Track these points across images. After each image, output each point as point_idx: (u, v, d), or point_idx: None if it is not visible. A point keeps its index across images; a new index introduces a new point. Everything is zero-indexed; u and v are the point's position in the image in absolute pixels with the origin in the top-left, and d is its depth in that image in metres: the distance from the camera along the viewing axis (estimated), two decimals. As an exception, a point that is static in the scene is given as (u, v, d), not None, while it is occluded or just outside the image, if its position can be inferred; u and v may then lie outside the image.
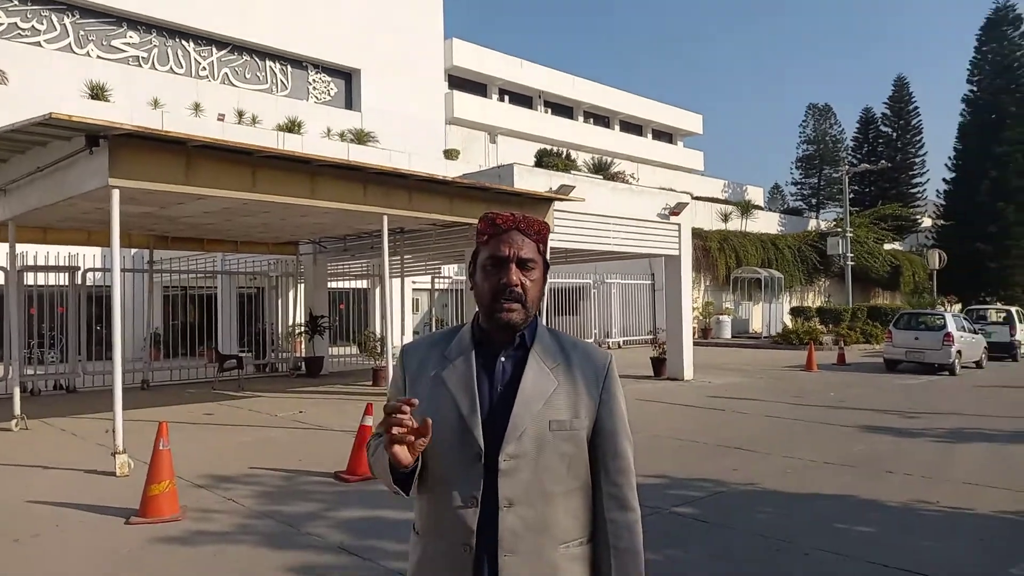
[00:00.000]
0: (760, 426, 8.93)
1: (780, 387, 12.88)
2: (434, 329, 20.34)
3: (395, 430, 1.42)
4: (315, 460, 6.99)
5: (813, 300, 30.16)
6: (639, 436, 8.29)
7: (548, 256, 1.68)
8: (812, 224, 36.01)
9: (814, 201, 48.18)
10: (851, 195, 35.45)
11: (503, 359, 1.60)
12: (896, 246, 36.52)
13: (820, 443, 7.80)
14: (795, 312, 26.21)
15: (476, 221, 1.68)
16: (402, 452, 1.43)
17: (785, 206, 48.92)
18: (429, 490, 1.57)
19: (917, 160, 44.81)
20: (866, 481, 6.15)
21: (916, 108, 44.82)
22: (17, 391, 9.24)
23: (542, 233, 1.63)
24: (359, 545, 4.55)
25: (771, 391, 12.31)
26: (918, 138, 45.00)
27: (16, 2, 21.62)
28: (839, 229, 29.63)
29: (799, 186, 49.42)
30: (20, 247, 10.59)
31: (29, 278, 12.71)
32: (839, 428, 8.73)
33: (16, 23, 21.64)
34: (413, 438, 1.43)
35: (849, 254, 27.67)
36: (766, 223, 33.03)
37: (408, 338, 19.83)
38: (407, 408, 1.42)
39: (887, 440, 7.97)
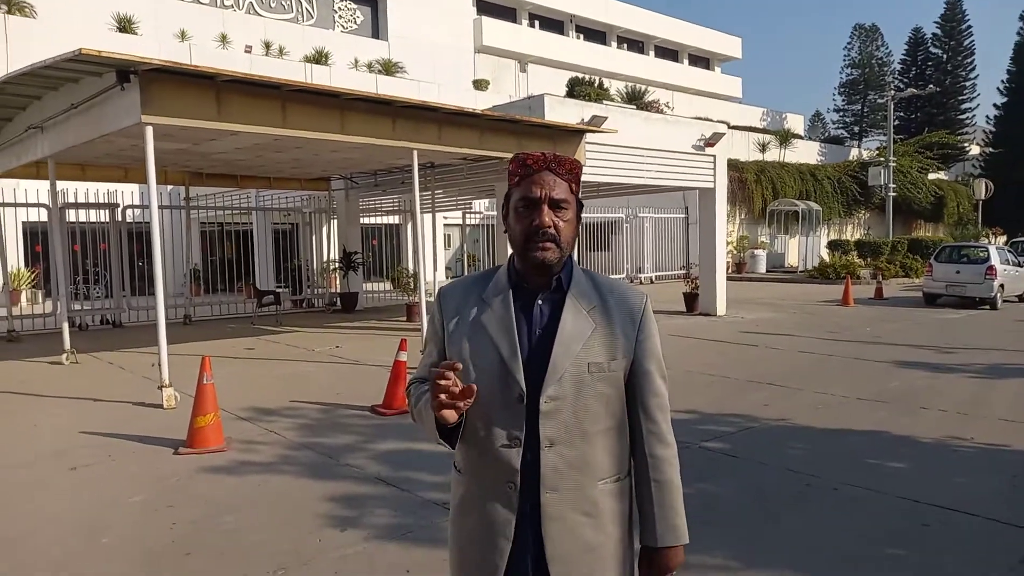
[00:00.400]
0: (793, 362, 8.90)
1: (814, 322, 12.76)
2: (466, 264, 20.44)
3: (442, 396, 1.45)
4: (352, 394, 7.19)
5: (852, 233, 29.50)
6: (670, 372, 8.29)
7: (580, 194, 1.66)
8: (854, 153, 34.85)
9: (856, 129, 46.59)
10: (896, 122, 34.13)
11: (540, 302, 1.62)
12: (941, 176, 35.23)
13: (854, 379, 7.77)
14: (833, 246, 25.69)
15: (506, 155, 1.67)
16: (448, 413, 1.48)
17: (826, 135, 47.39)
18: (472, 431, 1.61)
19: (967, 84, 42.87)
20: (900, 417, 6.13)
21: (969, 27, 42.58)
22: (66, 326, 9.58)
23: (574, 172, 1.61)
24: (396, 476, 4.71)
25: (805, 326, 12.21)
26: (969, 60, 42.90)
27: (40, -67, 21.31)
28: (881, 158, 28.66)
29: (841, 113, 47.78)
30: (60, 184, 10.79)
31: (71, 215, 12.99)
32: (874, 364, 8.67)
33: (41, -44, 21.40)
34: (460, 403, 1.47)
35: (891, 184, 26.83)
36: (805, 153, 32.09)
37: (440, 274, 19.97)
38: (451, 374, 1.44)
39: (922, 376, 7.90)
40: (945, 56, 43.09)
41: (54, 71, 6.99)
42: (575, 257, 1.69)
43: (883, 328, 11.88)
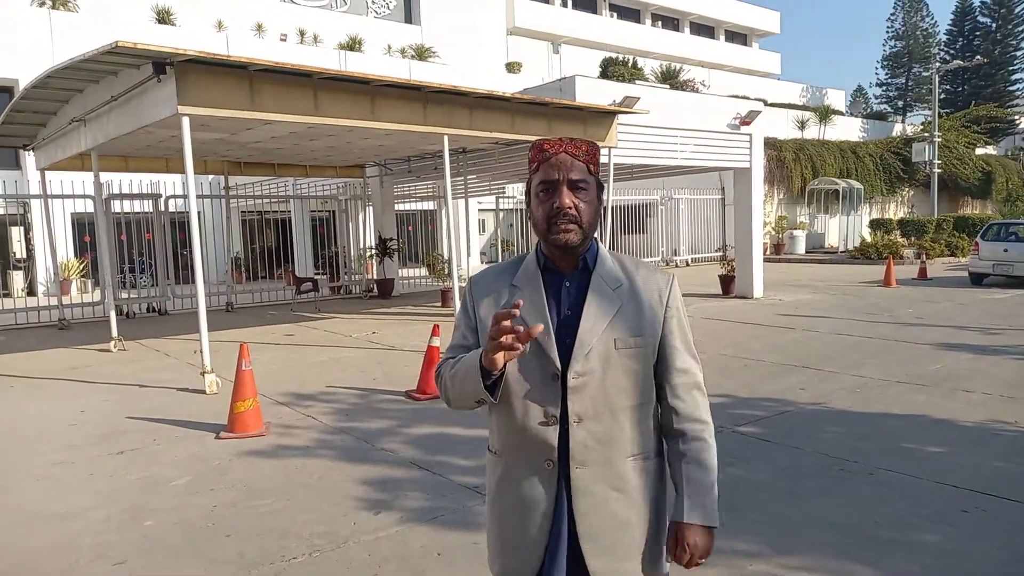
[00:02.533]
0: (831, 344, 8.76)
1: (854, 304, 12.51)
2: (500, 249, 20.48)
3: (504, 338, 1.44)
4: (387, 379, 7.30)
5: (895, 212, 28.73)
6: (705, 355, 8.29)
7: (601, 176, 1.68)
8: (897, 129, 33.83)
9: (900, 104, 45.21)
10: (941, 95, 33.07)
11: (567, 283, 1.65)
12: (989, 150, 33.99)
13: (893, 362, 7.62)
14: (875, 225, 25.05)
15: (539, 138, 1.69)
16: (498, 357, 1.48)
17: (868, 110, 46.03)
18: (507, 411, 1.64)
19: (1018, 54, 41.14)
20: (940, 400, 6.01)
21: (1021, -5, 40.78)
22: (113, 314, 9.89)
23: (591, 153, 1.64)
24: (430, 460, 4.79)
25: (845, 308, 11.99)
26: (1021, 28, 41.20)
27: (80, -71, 21.75)
28: (926, 134, 27.79)
29: (884, 87, 46.38)
30: (105, 176, 11.09)
31: (116, 206, 13.36)
32: (914, 346, 8.48)
33: (82, -50, 21.85)
34: (519, 344, 1.46)
35: (936, 161, 26.01)
36: (846, 129, 31.27)
37: (475, 259, 20.05)
38: (516, 312, 1.45)
39: (965, 358, 7.71)
40: (995, 25, 41.44)
41: (93, 64, 7.17)
42: (608, 240, 1.72)
43: (926, 309, 11.60)
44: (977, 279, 15.21)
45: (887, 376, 6.93)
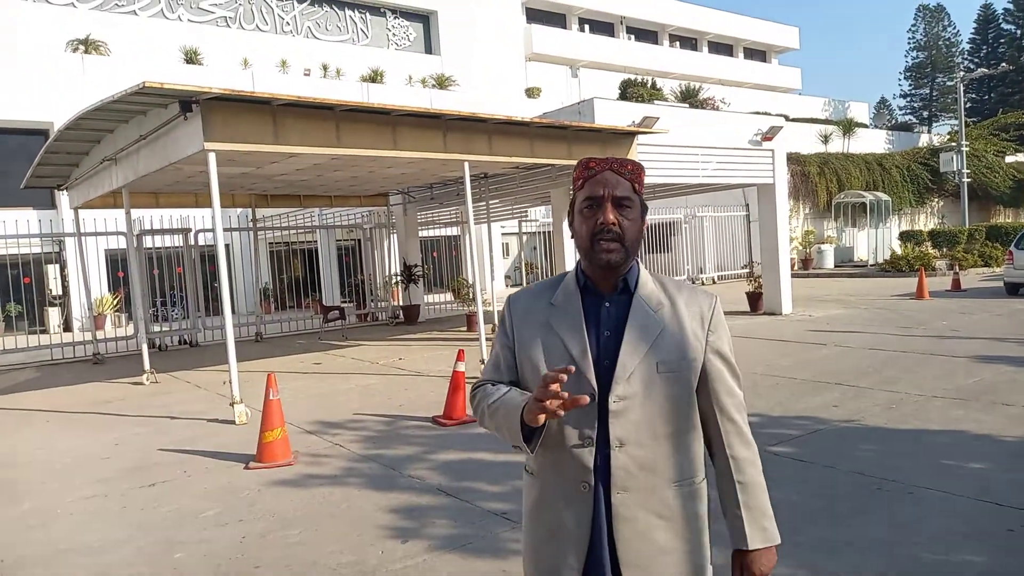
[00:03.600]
0: (864, 359, 8.58)
1: (886, 318, 12.27)
2: (524, 272, 20.50)
3: (550, 403, 1.42)
4: (414, 405, 7.30)
5: (925, 223, 28.23)
6: (734, 373, 8.16)
7: (643, 197, 1.67)
8: (923, 140, 33.39)
9: (925, 114, 44.70)
10: (967, 104, 32.61)
11: (608, 304, 1.63)
12: (1019, 158, 33.35)
13: (929, 376, 7.44)
14: (904, 237, 24.62)
15: (558, 161, 1.71)
16: (543, 417, 1.47)
17: (892, 122, 45.56)
18: (545, 432, 1.61)
19: (1046, 60, 40.44)
20: (979, 415, 5.84)
21: (1046, 0, 40.27)
22: (145, 347, 10.06)
23: (636, 173, 1.64)
24: (457, 487, 4.76)
25: (876, 322, 11.76)
26: (1048, 35, 40.57)
27: (111, -25, 22.57)
28: (953, 143, 27.37)
29: (908, 98, 45.94)
30: (136, 212, 11.36)
31: (147, 241, 13.66)
32: (951, 359, 8.28)
33: (112, -5, 22.66)
34: (562, 411, 1.44)
35: (965, 170, 25.56)
36: (871, 142, 30.93)
37: (499, 283, 20.07)
38: (564, 377, 1.43)
39: (1004, 371, 7.50)
40: (1019, 31, 40.91)
41: (122, 104, 7.37)
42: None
43: (960, 321, 11.33)
44: (1013, 289, 14.84)
45: (923, 391, 6.76)
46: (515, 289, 1.94)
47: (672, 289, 1.67)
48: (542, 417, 1.47)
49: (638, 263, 1.67)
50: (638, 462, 1.56)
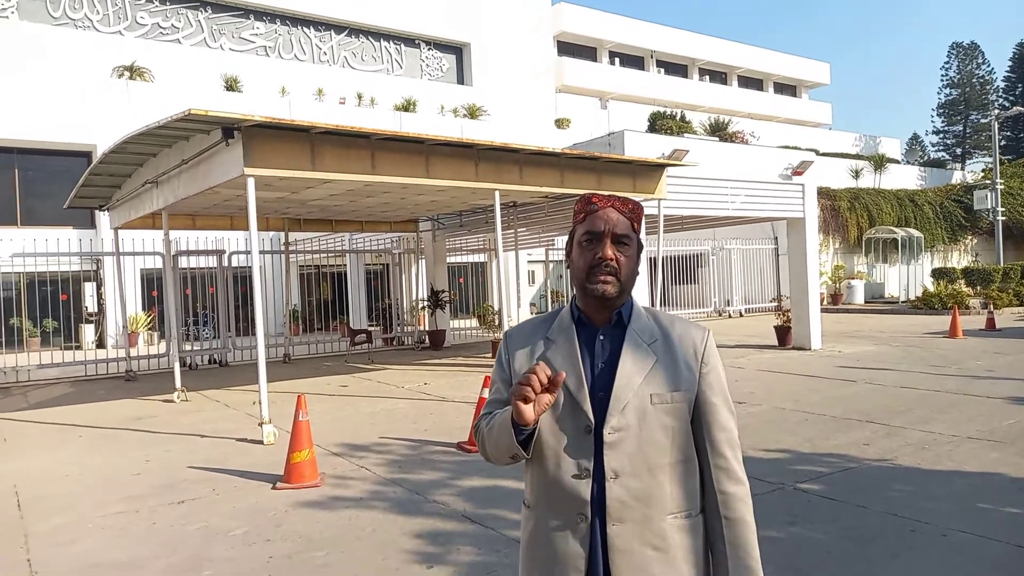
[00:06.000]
0: (895, 398, 8.44)
1: (919, 356, 12.06)
2: (549, 300, 20.53)
3: (527, 389, 1.47)
4: (439, 430, 7.33)
5: (958, 260, 27.78)
6: (761, 407, 8.10)
7: (651, 227, 1.73)
8: (956, 177, 33.00)
9: (958, 151, 44.21)
10: (1002, 142, 32.23)
11: (602, 337, 1.66)
12: (1057, 196, 32.79)
13: (963, 416, 7.29)
14: (937, 274, 24.25)
15: (587, 192, 1.74)
16: (527, 409, 1.50)
17: (925, 158, 45.12)
18: (541, 464, 1.64)
19: (1084, 98, 39.94)
20: (1016, 458, 5.70)
21: (1083, 39, 39.80)
22: (177, 366, 10.24)
23: (636, 212, 1.69)
24: (481, 513, 4.76)
25: (909, 360, 11.56)
26: (1085, 73, 40.06)
27: (156, 3, 23.39)
28: (987, 181, 27.02)
29: (941, 135, 45.50)
30: (173, 234, 11.64)
31: (183, 262, 13.96)
32: (986, 400, 8.10)
33: (158, 23, 23.48)
34: (544, 394, 1.49)
35: (999, 208, 25.20)
36: (903, 178, 30.64)
37: (524, 310, 20.11)
38: (550, 372, 1.48)
39: (1043, 413, 7.32)
40: (1056, 70, 40.48)
41: (167, 130, 7.62)
42: (660, 291, 1.74)
43: (996, 361, 11.09)
44: (1051, 330, 14.52)
45: (957, 432, 6.63)
46: (522, 321, 1.98)
47: (665, 322, 1.70)
48: (528, 411, 1.49)
49: (632, 298, 1.71)
50: (633, 494, 1.57)
